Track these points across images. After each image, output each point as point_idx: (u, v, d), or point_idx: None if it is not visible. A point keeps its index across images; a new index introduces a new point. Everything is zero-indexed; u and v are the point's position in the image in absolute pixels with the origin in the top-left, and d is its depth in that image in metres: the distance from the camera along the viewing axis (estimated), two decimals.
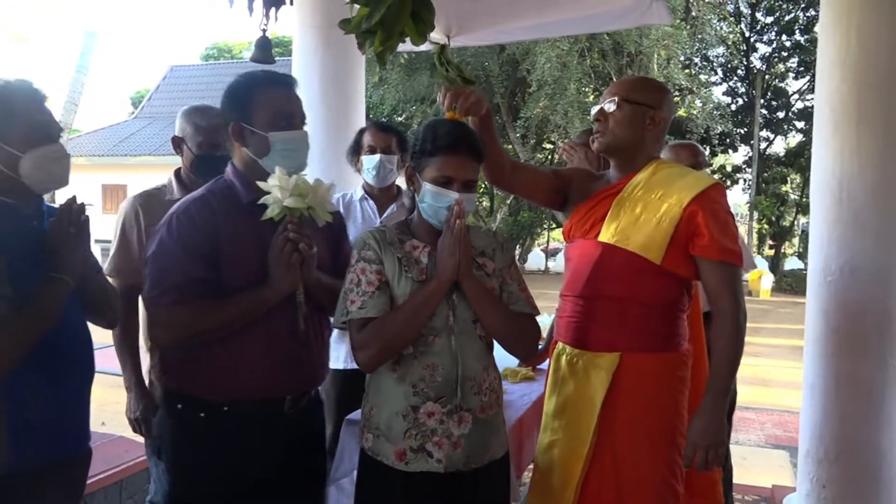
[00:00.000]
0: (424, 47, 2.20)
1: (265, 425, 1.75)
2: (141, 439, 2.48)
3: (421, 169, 1.75)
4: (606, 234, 1.96)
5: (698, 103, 18.92)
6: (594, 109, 2.05)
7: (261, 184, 1.68)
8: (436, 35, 3.12)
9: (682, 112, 19.59)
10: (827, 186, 3.02)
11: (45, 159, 1.67)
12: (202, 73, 23.93)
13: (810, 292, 3.12)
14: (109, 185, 20.27)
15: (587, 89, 16.81)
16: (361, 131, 2.97)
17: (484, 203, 23.79)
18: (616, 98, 1.98)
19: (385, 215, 2.90)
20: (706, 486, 2.10)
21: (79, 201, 1.75)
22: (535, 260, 25.82)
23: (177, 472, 1.80)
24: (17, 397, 1.63)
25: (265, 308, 1.70)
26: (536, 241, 28.59)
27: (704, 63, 21.55)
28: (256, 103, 1.75)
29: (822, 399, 3.01)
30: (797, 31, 24.12)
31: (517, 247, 22.93)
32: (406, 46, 1.93)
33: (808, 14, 23.39)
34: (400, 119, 19.96)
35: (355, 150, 2.92)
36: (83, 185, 18.99)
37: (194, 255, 1.67)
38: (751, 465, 5.03)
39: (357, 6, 1.85)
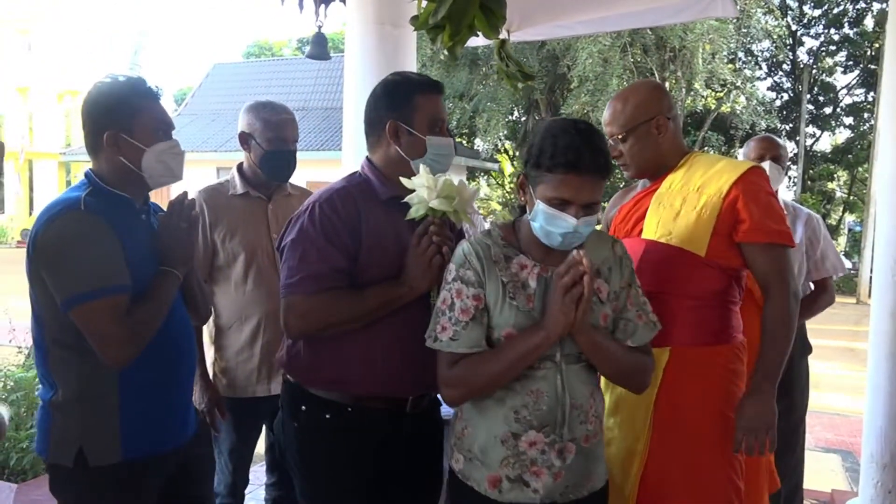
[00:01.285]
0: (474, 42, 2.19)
1: (388, 425, 1.74)
2: None
3: (535, 182, 1.53)
4: (649, 231, 1.95)
5: (743, 99, 18.55)
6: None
7: (405, 181, 1.66)
8: None
9: (725, 108, 19.22)
10: (894, 180, 2.93)
11: (165, 153, 1.74)
12: (244, 71, 24.23)
13: (876, 292, 3.02)
14: None
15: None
16: None
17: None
18: (617, 136, 1.98)
19: None
20: (755, 471, 2.05)
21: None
22: None
23: (305, 476, 1.80)
24: (130, 389, 1.67)
25: (398, 305, 1.69)
26: None
27: (749, 58, 21.10)
28: (417, 106, 1.76)
29: (888, 401, 2.92)
30: (846, 25, 23.44)
31: None
32: (477, 41, 1.92)
33: (857, 7, 22.73)
34: None
35: None
36: None
37: (336, 245, 1.66)
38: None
39: (423, 2, 1.84)
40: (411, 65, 3.80)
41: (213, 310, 2.37)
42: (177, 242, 1.75)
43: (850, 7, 23.06)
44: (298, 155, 2.49)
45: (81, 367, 1.64)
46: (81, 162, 24.18)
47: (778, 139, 3.06)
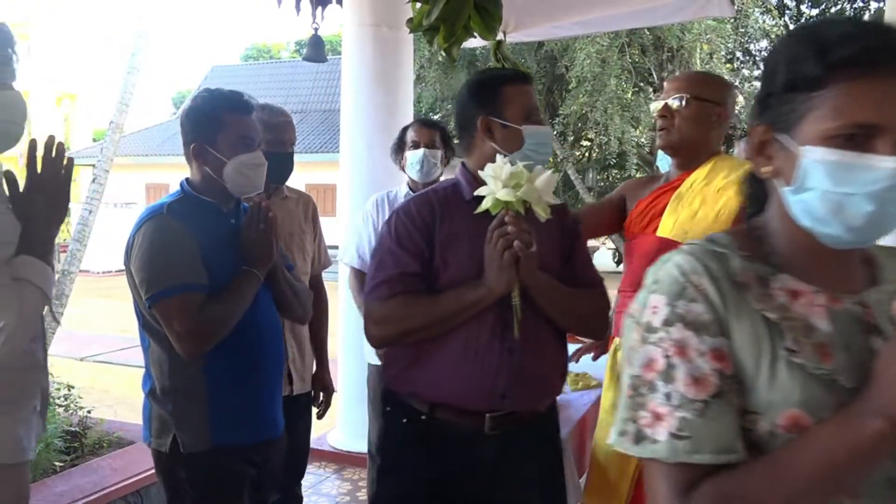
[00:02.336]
0: (471, 43, 2.20)
1: (464, 443, 1.65)
2: None
3: (790, 122, 0.83)
4: (665, 229, 1.95)
5: (741, 98, 18.58)
6: (655, 105, 2.03)
7: (480, 172, 1.59)
8: None
9: None
10: None
11: (246, 166, 1.85)
12: (243, 73, 24.21)
13: None
14: (152, 185, 20.69)
15: (627, 85, 16.59)
16: (405, 129, 2.99)
17: None
18: (686, 95, 1.96)
19: None
20: None
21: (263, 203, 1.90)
22: (602, 259, 22.95)
23: (383, 475, 1.82)
24: (218, 383, 1.79)
25: (478, 308, 1.59)
26: (602, 240, 27.06)
27: (747, 57, 21.11)
28: (507, 97, 1.71)
29: None
30: None
31: None
32: (475, 42, 1.92)
33: (854, 6, 22.76)
34: (436, 117, 19.98)
35: (399, 148, 2.94)
36: (128, 185, 19.43)
37: (408, 249, 1.65)
38: None
39: (417, 4, 1.85)
40: (408, 66, 3.81)
41: None
42: (255, 243, 1.85)
43: (847, 6, 23.10)
44: (296, 157, 2.50)
45: (172, 361, 1.77)
46: (80, 165, 24.18)
47: None
